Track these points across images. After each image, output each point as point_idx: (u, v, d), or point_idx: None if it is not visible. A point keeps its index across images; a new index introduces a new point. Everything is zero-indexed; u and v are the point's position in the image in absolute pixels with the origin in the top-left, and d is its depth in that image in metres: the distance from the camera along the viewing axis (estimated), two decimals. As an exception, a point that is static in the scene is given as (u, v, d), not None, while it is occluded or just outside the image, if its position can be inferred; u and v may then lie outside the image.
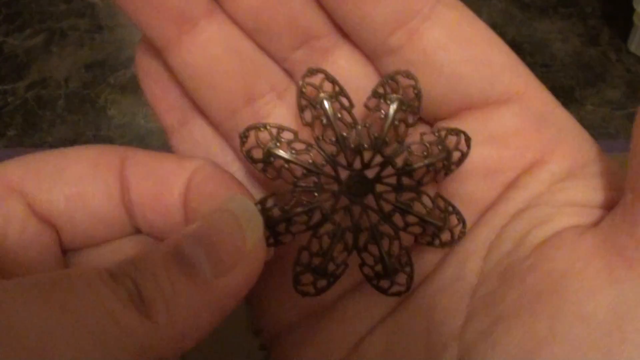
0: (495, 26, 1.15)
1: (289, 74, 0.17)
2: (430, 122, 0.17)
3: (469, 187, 0.16)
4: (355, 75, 0.17)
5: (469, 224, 0.16)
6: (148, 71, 0.17)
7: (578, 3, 1.16)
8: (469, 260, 0.16)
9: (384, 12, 0.15)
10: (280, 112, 0.17)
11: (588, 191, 0.15)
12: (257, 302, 0.19)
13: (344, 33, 0.16)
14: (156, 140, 0.93)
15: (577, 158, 0.16)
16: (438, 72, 0.16)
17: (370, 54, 0.16)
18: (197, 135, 0.18)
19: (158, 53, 0.16)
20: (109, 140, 0.95)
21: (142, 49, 0.17)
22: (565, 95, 1.00)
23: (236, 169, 0.18)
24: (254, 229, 0.15)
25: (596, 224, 0.15)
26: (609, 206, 0.15)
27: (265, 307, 0.18)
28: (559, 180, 0.16)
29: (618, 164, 0.16)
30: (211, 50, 0.16)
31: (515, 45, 1.14)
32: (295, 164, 0.16)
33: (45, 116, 0.98)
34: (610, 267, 0.13)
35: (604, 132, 0.99)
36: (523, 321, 0.14)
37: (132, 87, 1.01)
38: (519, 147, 0.16)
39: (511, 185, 0.16)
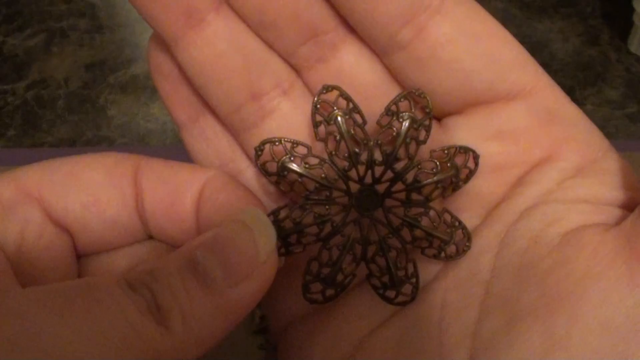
0: (495, 26, 1.15)
1: (295, 69, 0.17)
2: (438, 118, 0.17)
3: (477, 183, 0.16)
4: (362, 71, 0.17)
5: (478, 219, 0.16)
6: (159, 67, 0.17)
7: (578, 3, 1.16)
8: (481, 257, 0.16)
9: (392, 7, 0.15)
10: (285, 107, 0.17)
11: (599, 188, 0.15)
12: (265, 298, 0.19)
13: (351, 28, 0.16)
14: (156, 140, 0.94)
15: (587, 154, 0.16)
16: (446, 68, 0.16)
17: (378, 50, 0.16)
18: (208, 132, 0.18)
19: (168, 48, 0.16)
20: (109, 140, 0.95)
21: (153, 44, 0.17)
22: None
23: (245, 166, 0.18)
24: (267, 240, 0.15)
25: (612, 222, 0.15)
26: (623, 204, 0.15)
27: (273, 301, 0.19)
28: (569, 177, 0.16)
29: (627, 163, 0.16)
30: (217, 45, 0.16)
31: (515, 45, 1.14)
32: (308, 178, 0.16)
33: (45, 116, 0.98)
34: (632, 272, 0.13)
35: (604, 132, 0.99)
36: (541, 322, 0.14)
37: (132, 87, 1.01)
38: (527, 143, 0.16)
39: (520, 182, 0.16)
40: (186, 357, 0.13)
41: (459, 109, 0.17)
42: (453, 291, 0.16)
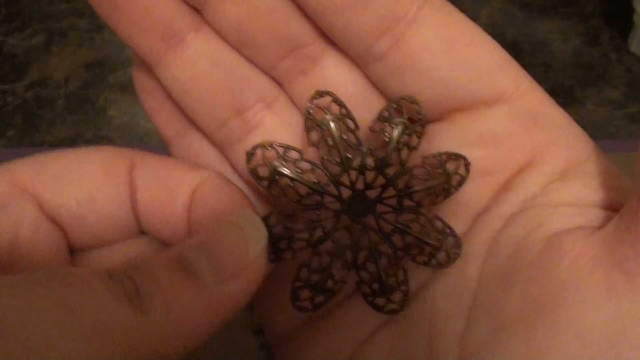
0: (495, 26, 1.15)
1: (278, 82, 0.17)
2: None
3: (462, 189, 0.16)
4: (344, 81, 0.17)
5: (464, 226, 0.16)
6: (144, 85, 0.18)
7: (578, 3, 1.16)
8: (469, 265, 0.16)
9: (368, 18, 0.15)
10: (270, 120, 0.17)
11: (584, 190, 0.15)
12: (259, 308, 0.19)
13: (331, 40, 0.16)
14: (156, 140, 0.94)
15: (571, 157, 0.16)
16: (425, 76, 0.16)
17: (357, 60, 0.17)
18: (196, 147, 0.18)
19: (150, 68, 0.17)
20: (108, 140, 0.95)
21: (137, 63, 0.17)
22: (565, 95, 1.00)
23: (235, 180, 0.18)
24: (258, 240, 0.15)
25: (595, 224, 0.14)
26: (607, 205, 0.15)
27: (268, 312, 0.19)
28: (554, 181, 0.16)
29: (614, 162, 0.16)
30: (198, 65, 0.16)
31: (515, 45, 1.14)
32: (300, 182, 0.16)
33: (45, 116, 0.98)
34: (610, 281, 0.13)
35: (604, 132, 0.99)
36: (522, 332, 0.14)
37: (132, 87, 1.01)
38: (510, 148, 0.16)
39: (504, 187, 0.16)
40: (167, 349, 0.13)
41: (440, 116, 0.17)
42: (442, 299, 0.16)
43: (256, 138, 0.17)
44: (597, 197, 0.15)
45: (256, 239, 0.15)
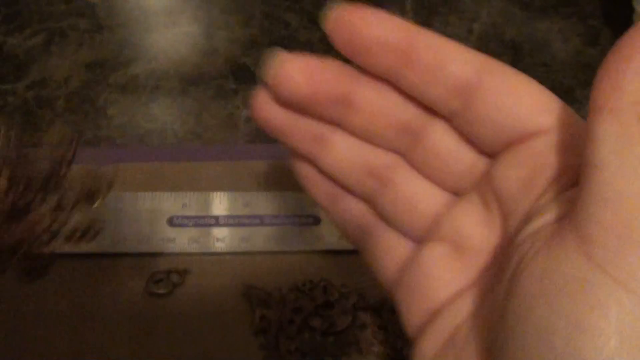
0: (495, 26, 1.15)
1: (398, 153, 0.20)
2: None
3: (521, 205, 0.18)
4: (449, 144, 0.19)
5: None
6: (304, 173, 0.22)
7: (578, 3, 1.16)
8: (502, 273, 0.17)
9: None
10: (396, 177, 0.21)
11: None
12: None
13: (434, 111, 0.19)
14: (156, 140, 0.94)
15: None
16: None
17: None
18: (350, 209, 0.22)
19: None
20: (109, 140, 0.95)
21: (294, 158, 0.21)
22: (565, 95, 1.00)
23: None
24: None
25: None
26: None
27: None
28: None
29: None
30: (341, 163, 0.20)
31: (515, 45, 1.14)
32: None
33: (45, 116, 0.98)
34: (590, 261, 0.14)
35: (604, 132, 0.99)
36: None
37: (132, 87, 1.01)
38: (554, 173, 0.17)
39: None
40: None
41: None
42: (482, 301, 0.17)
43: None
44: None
45: None
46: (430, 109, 0.19)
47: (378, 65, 0.18)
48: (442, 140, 0.20)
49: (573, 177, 0.16)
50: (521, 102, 0.18)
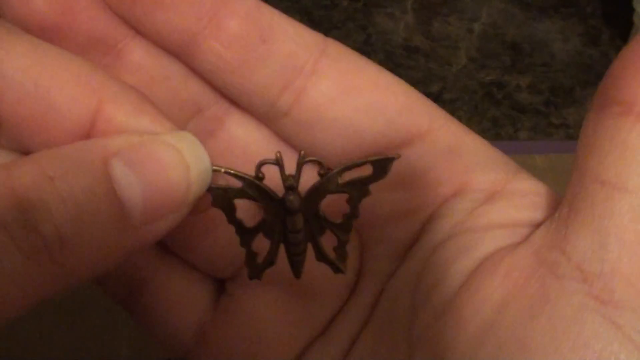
0: (495, 26, 1.15)
1: None
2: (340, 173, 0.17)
3: (388, 232, 0.16)
4: (253, 139, 0.17)
5: (396, 262, 0.17)
6: None
7: (578, 3, 1.16)
8: (400, 297, 0.16)
9: (264, 75, 0.15)
10: None
11: (510, 211, 0.15)
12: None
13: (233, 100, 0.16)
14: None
15: (494, 180, 0.16)
16: (333, 126, 0.16)
17: (264, 118, 0.16)
18: None
19: None
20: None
21: None
22: (565, 95, 1.00)
23: None
24: (201, 174, 0.13)
25: (521, 240, 0.14)
26: (537, 222, 0.15)
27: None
28: (479, 205, 0.16)
29: (538, 182, 0.16)
30: None
31: (515, 45, 1.14)
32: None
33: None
34: (545, 287, 0.13)
35: (604, 132, 0.99)
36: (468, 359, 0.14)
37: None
38: (432, 183, 0.16)
39: (431, 219, 0.16)
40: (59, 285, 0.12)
41: (357, 163, 0.17)
42: (381, 333, 0.16)
43: None
44: (525, 215, 0.15)
45: (199, 172, 0.13)
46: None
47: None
48: (247, 135, 0.17)
49: (457, 186, 0.15)
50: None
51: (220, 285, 0.18)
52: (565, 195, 0.14)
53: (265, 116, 0.16)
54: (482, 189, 0.16)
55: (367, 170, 0.16)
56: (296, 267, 0.17)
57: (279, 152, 0.16)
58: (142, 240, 0.13)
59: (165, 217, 0.13)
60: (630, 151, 0.12)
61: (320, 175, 0.16)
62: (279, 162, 0.17)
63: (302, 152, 0.16)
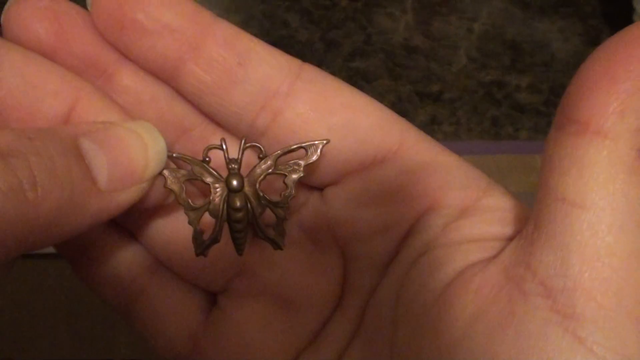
0: (495, 26, 1.15)
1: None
2: (320, 188, 0.18)
3: (369, 247, 0.17)
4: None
5: (377, 278, 0.17)
6: None
7: (578, 3, 1.16)
8: (382, 311, 0.16)
9: (241, 95, 0.16)
10: None
11: (483, 225, 0.16)
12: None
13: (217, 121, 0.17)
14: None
15: (467, 196, 0.16)
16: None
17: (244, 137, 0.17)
18: None
19: None
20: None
21: None
22: (565, 95, 1.00)
23: None
24: (158, 154, 0.15)
25: (494, 255, 0.15)
26: (508, 237, 0.15)
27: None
28: (453, 221, 0.16)
29: (511, 195, 0.16)
30: None
31: (515, 45, 1.14)
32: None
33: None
34: (512, 303, 0.13)
35: (604, 132, 0.99)
36: None
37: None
38: (406, 199, 0.16)
39: (408, 234, 0.16)
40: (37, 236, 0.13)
41: (334, 180, 0.17)
42: (365, 348, 0.16)
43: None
44: (497, 230, 0.16)
45: (156, 153, 0.15)
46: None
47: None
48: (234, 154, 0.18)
49: (430, 202, 0.16)
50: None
51: (212, 298, 0.19)
52: (531, 214, 0.14)
53: (245, 135, 0.18)
54: (455, 205, 0.16)
55: (302, 155, 0.17)
56: (238, 244, 0.18)
57: (224, 138, 0.18)
58: (107, 207, 0.14)
59: (127, 189, 0.14)
60: (587, 169, 0.12)
61: (259, 158, 0.17)
62: (223, 147, 0.19)
63: (244, 137, 0.18)
